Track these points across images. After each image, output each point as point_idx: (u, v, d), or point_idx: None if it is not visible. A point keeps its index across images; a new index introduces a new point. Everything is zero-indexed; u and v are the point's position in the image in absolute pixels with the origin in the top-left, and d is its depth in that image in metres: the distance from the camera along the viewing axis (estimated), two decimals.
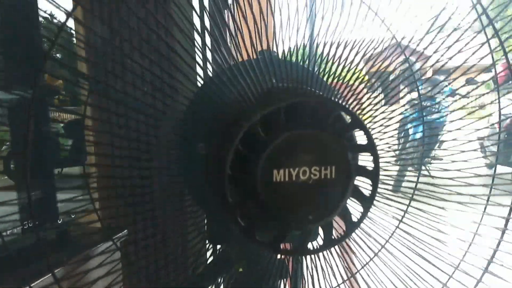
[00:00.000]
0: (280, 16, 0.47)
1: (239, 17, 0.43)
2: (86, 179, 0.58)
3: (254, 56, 0.46)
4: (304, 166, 0.39)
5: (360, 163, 0.43)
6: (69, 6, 0.41)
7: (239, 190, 0.39)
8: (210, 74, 0.48)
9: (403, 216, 0.58)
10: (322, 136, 0.39)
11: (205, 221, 0.57)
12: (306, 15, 0.50)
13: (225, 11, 0.47)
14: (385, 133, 0.52)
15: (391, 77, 0.52)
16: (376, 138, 0.52)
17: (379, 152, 0.41)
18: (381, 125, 0.52)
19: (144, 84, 0.46)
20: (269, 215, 0.39)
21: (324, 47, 0.48)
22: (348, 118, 0.41)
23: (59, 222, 0.86)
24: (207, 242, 0.57)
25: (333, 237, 0.41)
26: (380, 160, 0.41)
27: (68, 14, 0.34)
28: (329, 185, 0.39)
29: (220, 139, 0.45)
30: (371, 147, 0.39)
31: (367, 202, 0.41)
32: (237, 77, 0.43)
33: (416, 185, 0.59)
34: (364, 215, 0.41)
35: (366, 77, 0.54)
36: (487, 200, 0.56)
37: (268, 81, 0.45)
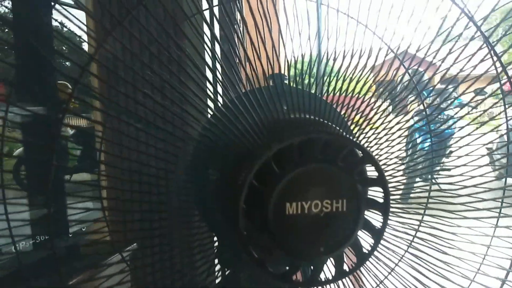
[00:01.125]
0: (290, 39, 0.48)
1: (249, 44, 0.44)
2: (100, 193, 0.59)
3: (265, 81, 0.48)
4: (316, 199, 0.40)
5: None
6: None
7: (252, 222, 0.40)
8: (221, 103, 0.49)
9: (411, 241, 0.58)
10: (334, 170, 0.40)
11: (213, 242, 0.58)
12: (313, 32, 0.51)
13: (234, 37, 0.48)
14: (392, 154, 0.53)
15: (397, 87, 0.53)
16: (384, 164, 0.52)
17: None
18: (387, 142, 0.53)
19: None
20: (281, 247, 0.40)
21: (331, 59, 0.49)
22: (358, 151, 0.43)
23: (70, 236, 0.88)
24: (216, 263, 0.58)
25: (344, 269, 0.41)
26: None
27: (84, 67, 0.35)
28: (340, 218, 0.40)
29: (232, 169, 0.46)
30: (381, 181, 0.40)
31: (377, 234, 0.42)
32: (249, 106, 0.44)
33: (426, 206, 0.60)
34: (374, 247, 0.42)
35: (373, 87, 0.54)
36: (499, 213, 0.56)
37: (279, 110, 0.46)
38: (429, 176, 0.60)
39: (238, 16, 0.48)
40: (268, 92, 0.47)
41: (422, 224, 0.59)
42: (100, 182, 0.56)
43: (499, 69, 0.49)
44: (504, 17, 0.51)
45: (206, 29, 0.46)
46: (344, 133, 0.49)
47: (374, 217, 0.44)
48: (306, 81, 0.50)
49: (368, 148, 0.49)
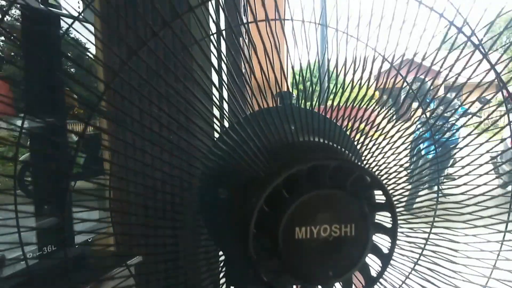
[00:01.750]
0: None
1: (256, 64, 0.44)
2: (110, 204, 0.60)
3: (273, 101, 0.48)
4: (325, 224, 0.41)
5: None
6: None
7: (262, 246, 0.41)
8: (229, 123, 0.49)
9: (418, 259, 0.59)
10: (342, 195, 0.41)
11: (219, 257, 0.58)
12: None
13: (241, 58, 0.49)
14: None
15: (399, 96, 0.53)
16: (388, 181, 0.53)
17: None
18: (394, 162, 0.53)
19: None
20: (290, 271, 0.41)
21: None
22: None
23: (76, 246, 0.88)
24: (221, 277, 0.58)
25: None
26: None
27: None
28: (349, 242, 0.41)
29: (242, 190, 0.47)
30: (389, 207, 0.41)
31: (385, 259, 0.42)
32: (257, 127, 0.45)
33: (432, 224, 0.60)
34: (382, 271, 0.42)
35: (377, 94, 0.54)
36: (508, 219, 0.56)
37: (288, 132, 0.47)
38: (436, 187, 0.60)
39: (245, 38, 0.49)
40: (277, 112, 0.47)
41: (428, 242, 0.59)
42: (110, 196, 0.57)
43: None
44: (501, 32, 0.51)
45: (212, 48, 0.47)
46: (352, 155, 0.49)
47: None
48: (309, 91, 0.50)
49: (376, 170, 0.49)
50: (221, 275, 0.57)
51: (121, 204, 0.61)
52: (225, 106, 0.48)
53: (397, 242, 0.50)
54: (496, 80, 0.51)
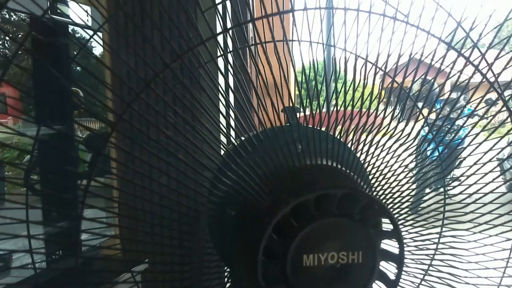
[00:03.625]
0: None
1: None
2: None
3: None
4: (332, 251, 0.41)
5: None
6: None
7: (269, 272, 0.42)
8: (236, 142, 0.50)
9: (427, 269, 0.59)
10: (350, 223, 0.41)
11: (222, 270, 0.59)
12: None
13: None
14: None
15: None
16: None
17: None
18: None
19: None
20: None
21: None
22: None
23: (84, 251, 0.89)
24: None
25: None
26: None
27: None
28: (356, 269, 0.42)
29: (249, 211, 0.47)
30: (396, 234, 0.41)
31: (392, 285, 0.43)
32: (262, 152, 0.45)
33: (439, 239, 0.60)
34: None
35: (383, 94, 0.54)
36: None
37: (294, 155, 0.47)
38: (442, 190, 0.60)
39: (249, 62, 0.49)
40: (282, 133, 0.47)
41: (435, 257, 0.60)
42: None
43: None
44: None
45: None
46: (359, 177, 0.50)
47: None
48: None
49: (383, 195, 0.50)
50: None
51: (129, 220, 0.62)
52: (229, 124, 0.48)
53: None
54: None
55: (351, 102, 0.52)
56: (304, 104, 0.49)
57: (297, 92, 0.49)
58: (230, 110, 0.48)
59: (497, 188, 0.56)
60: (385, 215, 0.41)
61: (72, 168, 0.47)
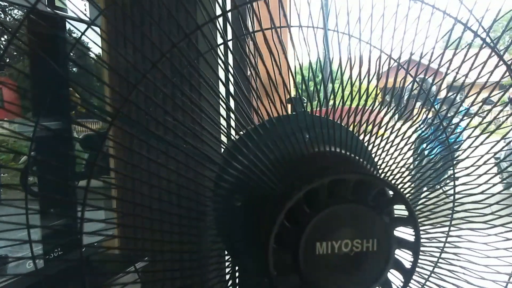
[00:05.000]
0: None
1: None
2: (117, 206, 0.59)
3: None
4: (346, 239, 0.40)
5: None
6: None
7: (281, 261, 0.40)
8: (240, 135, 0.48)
9: (434, 265, 0.58)
10: (364, 210, 0.40)
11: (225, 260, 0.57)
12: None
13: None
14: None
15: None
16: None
17: None
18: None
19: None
20: (310, 287, 0.40)
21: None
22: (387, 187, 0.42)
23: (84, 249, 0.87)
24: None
25: None
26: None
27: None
28: (371, 257, 0.40)
29: (258, 200, 0.46)
30: (412, 221, 0.40)
31: (407, 274, 0.41)
32: (270, 139, 0.43)
33: (448, 232, 0.59)
34: (405, 286, 0.41)
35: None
36: None
37: (303, 142, 0.46)
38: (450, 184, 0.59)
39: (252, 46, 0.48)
40: (289, 121, 0.46)
41: (444, 249, 0.58)
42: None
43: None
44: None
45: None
46: (370, 166, 0.48)
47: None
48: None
49: (395, 182, 0.48)
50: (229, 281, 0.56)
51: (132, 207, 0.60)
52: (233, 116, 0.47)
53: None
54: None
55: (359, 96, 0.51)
56: (311, 95, 0.47)
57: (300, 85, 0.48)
58: (232, 99, 0.46)
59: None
60: (401, 202, 0.40)
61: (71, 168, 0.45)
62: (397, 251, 0.43)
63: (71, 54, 0.41)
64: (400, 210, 0.43)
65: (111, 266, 0.69)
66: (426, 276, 0.57)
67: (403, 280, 0.42)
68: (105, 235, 0.52)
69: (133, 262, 0.63)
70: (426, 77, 0.54)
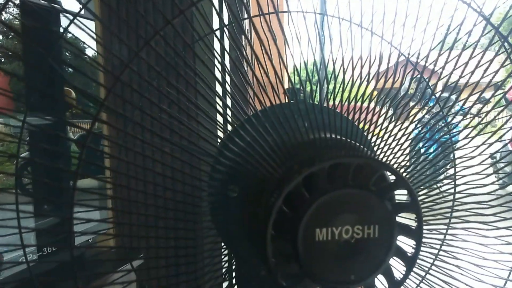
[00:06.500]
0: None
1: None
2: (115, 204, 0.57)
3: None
4: (347, 225, 0.39)
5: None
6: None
7: (279, 249, 0.39)
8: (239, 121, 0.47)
9: (434, 259, 0.57)
10: (365, 196, 0.38)
11: (221, 251, 0.56)
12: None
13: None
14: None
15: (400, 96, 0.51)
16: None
17: None
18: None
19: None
20: (310, 275, 0.39)
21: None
22: (388, 172, 0.41)
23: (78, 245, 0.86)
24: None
25: None
26: None
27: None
28: (372, 244, 0.39)
29: (255, 189, 0.44)
30: (415, 207, 0.39)
31: (410, 261, 0.40)
32: (270, 124, 0.42)
33: (449, 224, 0.58)
34: (407, 274, 0.40)
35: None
36: None
37: (301, 129, 0.44)
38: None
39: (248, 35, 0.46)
40: (289, 109, 0.45)
41: (444, 242, 0.57)
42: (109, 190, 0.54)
43: None
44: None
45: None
46: (369, 152, 0.47)
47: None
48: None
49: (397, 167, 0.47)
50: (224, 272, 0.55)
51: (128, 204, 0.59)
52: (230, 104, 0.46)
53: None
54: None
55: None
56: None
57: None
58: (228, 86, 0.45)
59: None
60: (403, 187, 0.39)
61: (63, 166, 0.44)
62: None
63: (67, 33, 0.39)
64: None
65: (106, 264, 0.68)
66: (427, 269, 0.55)
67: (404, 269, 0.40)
68: (97, 232, 0.51)
69: (129, 259, 0.62)
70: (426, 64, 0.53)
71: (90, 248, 0.89)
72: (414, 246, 0.40)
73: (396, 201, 0.41)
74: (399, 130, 0.47)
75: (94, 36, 0.36)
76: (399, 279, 0.40)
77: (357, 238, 0.39)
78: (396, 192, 0.42)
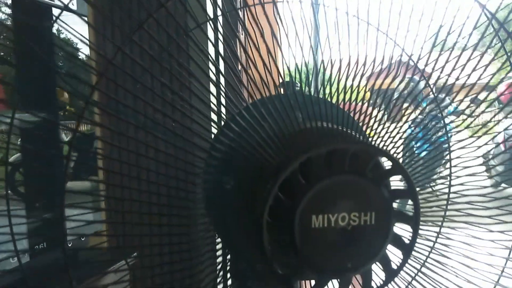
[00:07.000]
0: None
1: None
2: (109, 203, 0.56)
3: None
4: (343, 212, 0.38)
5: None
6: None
7: (275, 236, 0.38)
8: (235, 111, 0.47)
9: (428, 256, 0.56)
10: (362, 182, 0.38)
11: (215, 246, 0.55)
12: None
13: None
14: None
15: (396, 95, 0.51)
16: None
17: None
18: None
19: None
20: (306, 263, 0.38)
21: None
22: (384, 160, 0.41)
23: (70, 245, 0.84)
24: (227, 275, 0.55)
25: (372, 285, 0.39)
26: None
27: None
28: (369, 232, 0.38)
29: (249, 179, 0.44)
30: (412, 194, 0.39)
31: (407, 249, 0.40)
32: (266, 113, 0.42)
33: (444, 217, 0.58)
34: (404, 262, 0.40)
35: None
36: None
37: (296, 119, 0.44)
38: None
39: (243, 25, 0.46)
40: (286, 99, 0.45)
41: (439, 236, 0.57)
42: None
43: None
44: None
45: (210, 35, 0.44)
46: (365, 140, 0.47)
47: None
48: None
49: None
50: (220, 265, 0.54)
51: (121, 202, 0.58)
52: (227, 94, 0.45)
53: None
54: None
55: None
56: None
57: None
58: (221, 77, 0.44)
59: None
60: (400, 173, 0.38)
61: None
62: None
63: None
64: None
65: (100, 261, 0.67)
66: (422, 261, 0.55)
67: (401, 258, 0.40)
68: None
69: (124, 256, 0.61)
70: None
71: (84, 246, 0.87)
72: (411, 234, 0.39)
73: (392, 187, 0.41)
74: (396, 115, 0.47)
75: (86, 19, 0.35)
76: (397, 267, 0.40)
77: (354, 225, 0.38)
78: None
